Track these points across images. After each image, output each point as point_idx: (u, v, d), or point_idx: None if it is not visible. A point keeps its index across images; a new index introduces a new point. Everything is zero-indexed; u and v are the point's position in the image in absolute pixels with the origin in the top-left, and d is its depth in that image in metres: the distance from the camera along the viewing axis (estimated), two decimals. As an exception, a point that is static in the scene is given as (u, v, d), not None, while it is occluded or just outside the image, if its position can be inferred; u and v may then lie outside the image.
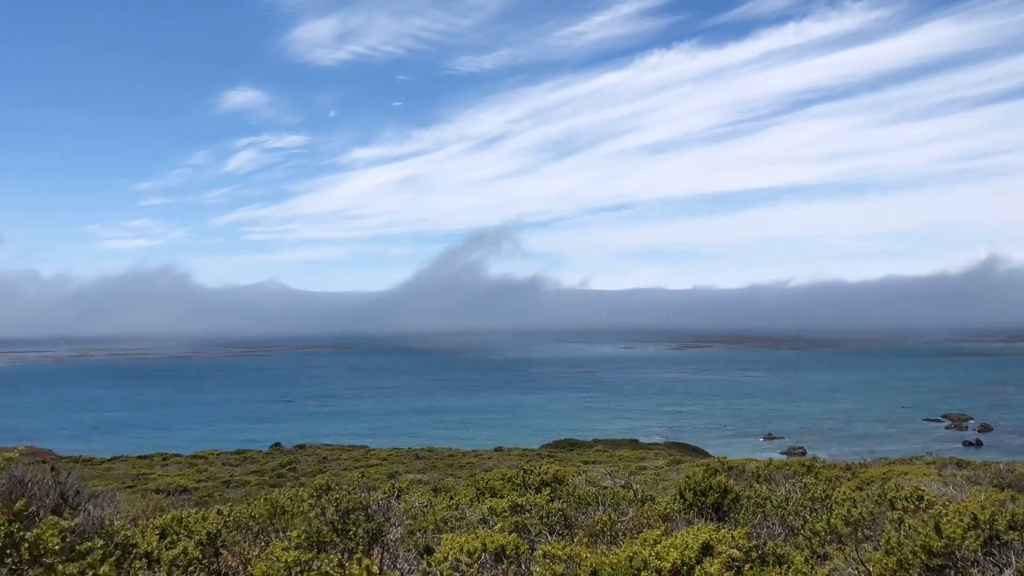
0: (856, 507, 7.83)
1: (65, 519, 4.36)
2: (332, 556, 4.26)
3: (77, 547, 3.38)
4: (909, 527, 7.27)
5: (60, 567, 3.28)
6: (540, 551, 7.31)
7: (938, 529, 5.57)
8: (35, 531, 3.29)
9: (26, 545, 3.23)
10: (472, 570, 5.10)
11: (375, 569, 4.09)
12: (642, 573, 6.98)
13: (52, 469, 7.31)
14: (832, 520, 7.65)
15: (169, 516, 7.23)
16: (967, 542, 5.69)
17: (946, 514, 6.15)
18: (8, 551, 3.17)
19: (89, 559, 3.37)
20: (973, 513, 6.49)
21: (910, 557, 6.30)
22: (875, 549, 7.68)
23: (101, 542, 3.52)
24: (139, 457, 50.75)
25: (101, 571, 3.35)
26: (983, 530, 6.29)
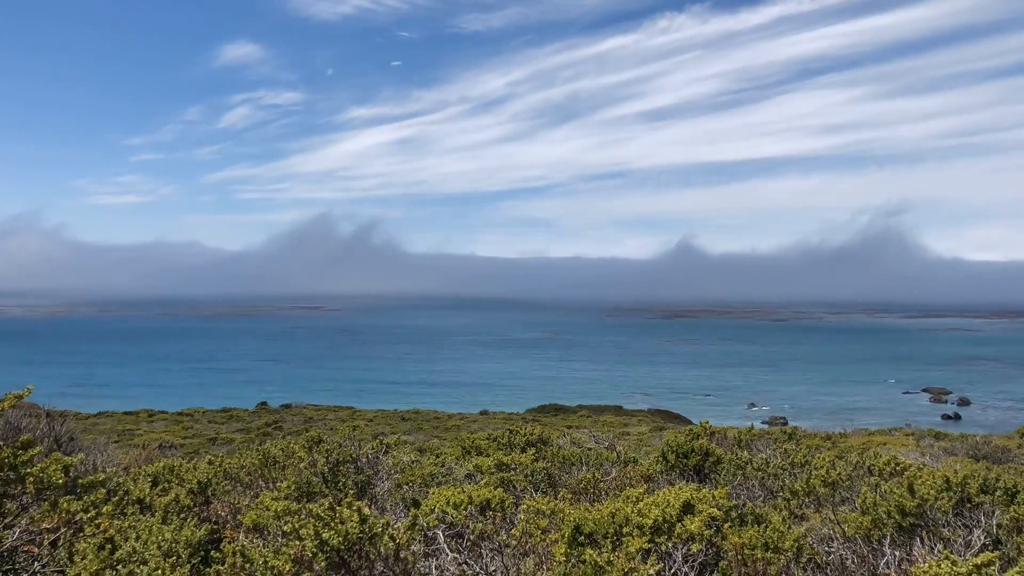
0: (835, 469, 8.03)
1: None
2: (323, 501, 4.38)
3: (80, 482, 3.47)
4: (885, 490, 7.48)
5: (64, 503, 3.37)
6: (524, 505, 7.47)
7: (911, 490, 5.75)
8: (40, 465, 3.38)
9: (31, 479, 3.32)
10: (460, 516, 5.24)
11: (366, 511, 4.21)
12: (624, 529, 7.16)
13: (47, 416, 7.40)
14: (811, 481, 7.85)
15: (161, 465, 7.35)
16: (939, 503, 5.87)
17: (920, 476, 6.33)
18: (13, 483, 3.26)
19: (93, 496, 3.46)
20: (946, 476, 6.69)
21: (884, 517, 6.49)
22: (851, 511, 7.90)
23: (104, 477, 3.62)
24: (124, 413, 50.83)
25: (105, 509, 3.44)
26: (955, 492, 6.49)
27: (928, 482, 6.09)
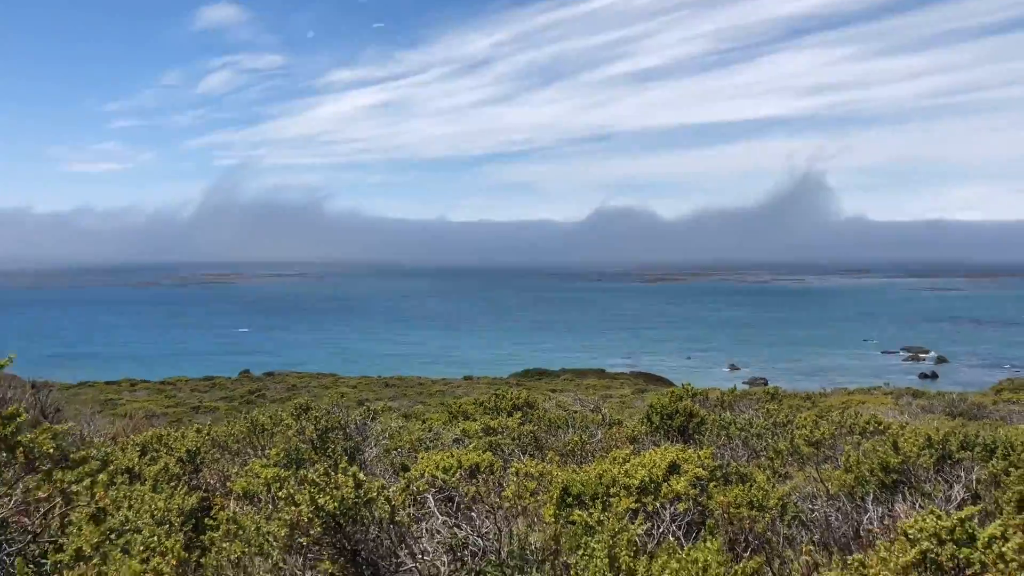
0: (818, 428, 8.15)
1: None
2: (318, 466, 4.40)
3: (72, 456, 3.46)
4: (867, 448, 7.61)
5: (59, 474, 3.37)
6: (513, 468, 7.54)
7: (895, 447, 5.86)
8: (30, 435, 3.36)
9: (21, 448, 3.31)
10: (452, 479, 5.28)
11: (361, 476, 4.24)
12: (611, 489, 7.25)
13: (32, 386, 7.35)
14: (795, 440, 7.97)
15: (149, 434, 7.34)
16: (921, 459, 5.98)
17: (903, 434, 6.44)
18: (3, 454, 3.24)
19: (86, 467, 3.45)
20: (927, 434, 6.81)
21: (867, 474, 6.62)
22: (835, 469, 8.04)
23: (95, 450, 3.62)
24: (106, 383, 50.60)
25: (99, 479, 3.44)
26: (936, 449, 6.62)
27: (910, 439, 6.20)
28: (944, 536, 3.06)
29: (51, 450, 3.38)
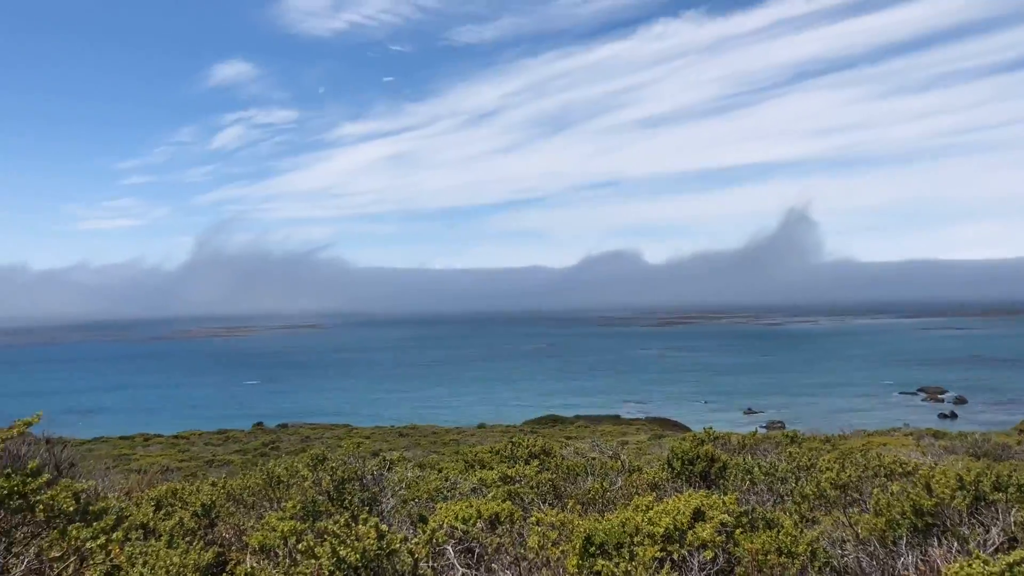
0: (845, 471, 7.97)
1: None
2: (339, 517, 4.30)
3: (91, 508, 3.39)
4: (894, 492, 7.43)
5: (74, 531, 3.29)
6: (533, 518, 7.39)
7: (929, 489, 5.70)
8: (50, 492, 3.30)
9: (41, 506, 3.24)
10: (474, 530, 5.16)
11: (384, 527, 4.13)
12: (635, 538, 7.08)
13: (47, 442, 7.29)
14: (821, 484, 7.79)
15: (164, 488, 7.24)
16: (955, 502, 5.82)
17: (934, 475, 6.28)
18: (23, 511, 3.17)
19: (102, 523, 3.38)
20: (959, 475, 6.64)
21: (898, 518, 6.44)
22: (862, 512, 7.84)
23: (114, 504, 3.54)
24: (120, 438, 50.47)
25: (115, 536, 3.36)
26: (969, 491, 6.44)
27: (942, 481, 6.04)
28: (993, 582, 2.94)
29: (71, 507, 3.31)
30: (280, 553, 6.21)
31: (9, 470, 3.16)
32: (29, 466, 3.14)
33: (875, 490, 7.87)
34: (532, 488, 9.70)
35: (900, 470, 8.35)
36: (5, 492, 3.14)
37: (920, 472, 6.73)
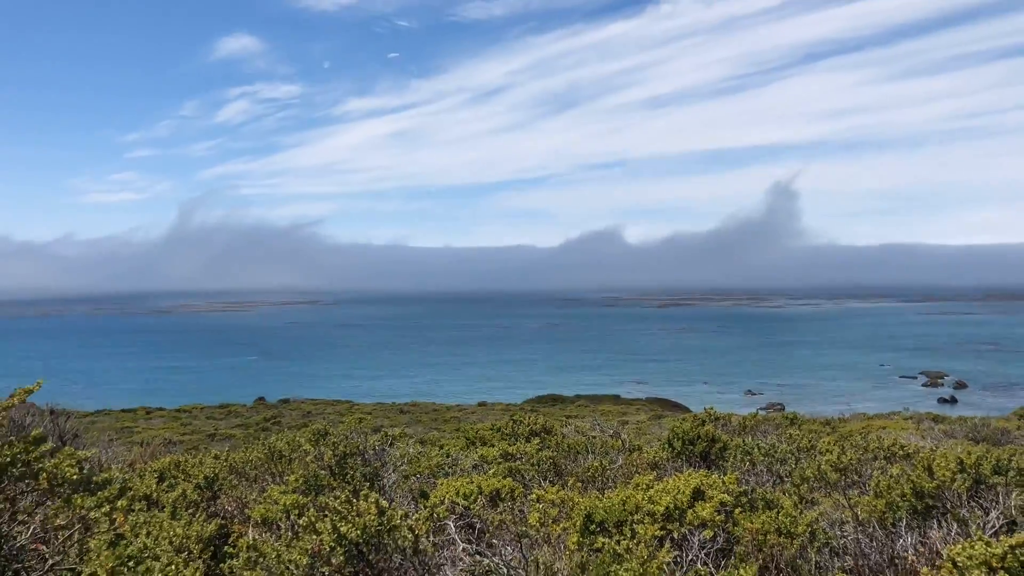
0: (845, 453, 7.99)
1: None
2: (339, 493, 4.31)
3: (94, 479, 3.40)
4: (894, 474, 7.44)
5: (78, 499, 3.30)
6: (534, 495, 7.42)
7: (930, 471, 5.71)
8: (53, 460, 3.31)
9: (44, 474, 3.25)
10: (475, 506, 5.18)
11: (384, 503, 4.14)
12: (635, 516, 7.11)
13: (51, 413, 7.31)
14: (821, 466, 7.81)
15: (167, 460, 7.27)
16: (955, 484, 5.83)
17: (935, 458, 6.29)
18: (26, 479, 3.18)
19: (106, 492, 3.39)
20: (959, 458, 6.65)
21: (898, 500, 6.46)
22: (861, 494, 7.87)
23: (118, 474, 3.55)
24: (122, 411, 50.73)
25: (119, 505, 3.37)
26: (969, 474, 6.45)
27: (943, 464, 6.05)
28: (995, 564, 2.94)
29: (74, 476, 3.32)
30: (282, 526, 6.24)
31: (12, 438, 3.16)
32: (32, 434, 3.14)
33: (875, 472, 7.89)
34: (533, 466, 9.74)
35: (900, 453, 8.37)
36: (8, 459, 3.15)
37: (921, 455, 6.74)
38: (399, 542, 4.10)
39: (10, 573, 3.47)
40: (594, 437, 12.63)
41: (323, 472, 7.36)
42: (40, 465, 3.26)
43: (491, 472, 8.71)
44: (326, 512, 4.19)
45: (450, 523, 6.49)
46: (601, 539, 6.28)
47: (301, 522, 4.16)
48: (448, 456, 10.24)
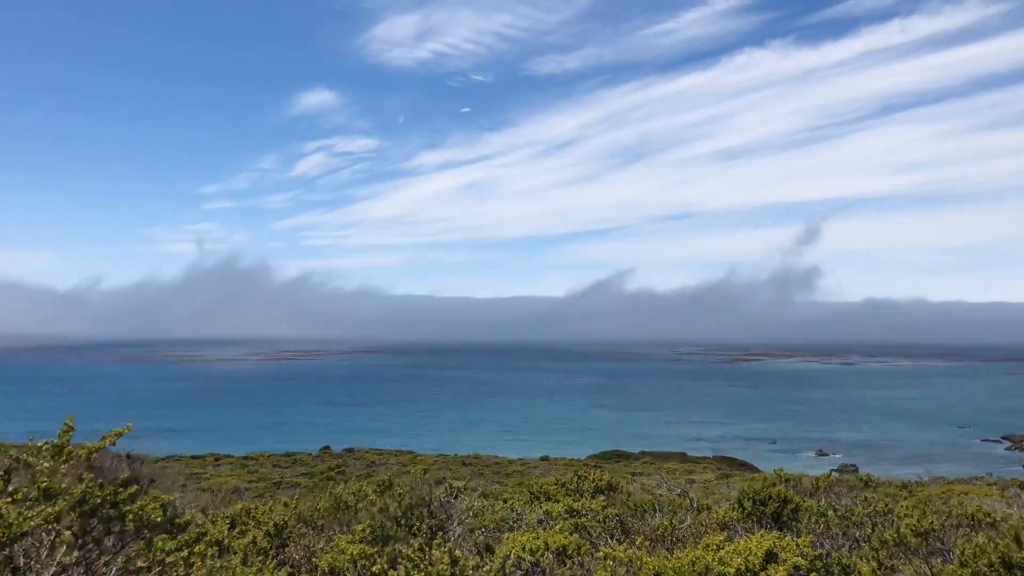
0: (926, 518, 7.67)
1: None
2: (413, 541, 4.33)
3: (177, 520, 3.50)
4: (979, 543, 7.10)
5: (159, 543, 3.40)
6: (601, 553, 7.30)
7: (1018, 541, 5.44)
8: (139, 503, 3.42)
9: (131, 516, 3.36)
10: (547, 560, 5.13)
11: (458, 553, 4.14)
12: (705, 578, 6.94)
13: (127, 457, 7.54)
14: (902, 530, 7.51)
15: (239, 507, 7.40)
16: (1048, 555, 5.55)
17: (1022, 527, 6.00)
18: (114, 521, 3.30)
19: (186, 535, 3.48)
20: (1051, 527, 6.32)
21: (985, 570, 6.15)
22: (944, 563, 7.52)
23: (200, 516, 3.65)
24: (192, 457, 51.74)
25: (197, 549, 3.46)
26: (1062, 544, 6.12)
27: (1033, 532, 5.77)
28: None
29: (159, 518, 3.42)
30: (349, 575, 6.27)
31: (102, 481, 3.29)
32: (121, 477, 3.26)
33: (958, 540, 7.54)
34: (599, 523, 9.59)
35: (986, 520, 7.99)
36: (99, 501, 3.27)
37: (1009, 523, 6.43)
38: (469, 595, 4.09)
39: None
40: (661, 495, 12.39)
41: (389, 523, 7.39)
42: (128, 508, 3.37)
43: (557, 528, 8.61)
44: (400, 560, 4.20)
45: (516, 579, 6.43)
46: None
47: (374, 569, 4.19)
48: (513, 510, 10.16)
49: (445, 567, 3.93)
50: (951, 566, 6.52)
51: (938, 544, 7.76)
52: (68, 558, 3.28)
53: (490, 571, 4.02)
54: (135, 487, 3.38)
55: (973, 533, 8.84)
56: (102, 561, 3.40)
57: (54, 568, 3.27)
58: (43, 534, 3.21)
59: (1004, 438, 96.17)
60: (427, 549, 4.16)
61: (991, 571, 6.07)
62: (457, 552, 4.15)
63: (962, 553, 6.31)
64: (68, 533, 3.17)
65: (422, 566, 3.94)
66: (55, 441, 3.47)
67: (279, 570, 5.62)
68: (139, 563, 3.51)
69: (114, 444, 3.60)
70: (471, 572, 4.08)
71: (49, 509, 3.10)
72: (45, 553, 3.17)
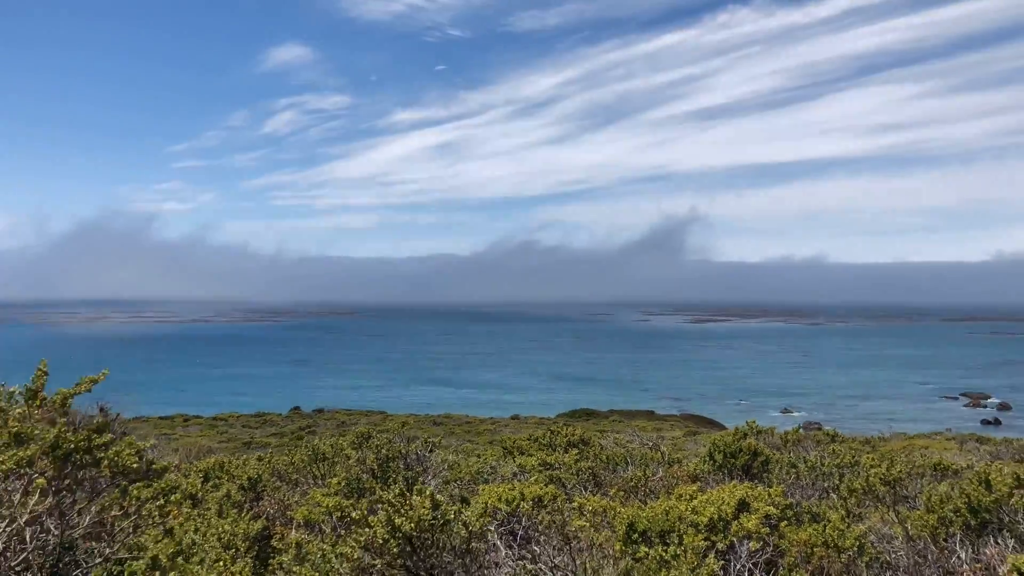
0: (894, 467, 7.83)
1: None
2: (393, 487, 4.32)
3: (154, 466, 3.44)
4: (945, 490, 7.27)
5: (135, 490, 3.34)
6: (576, 503, 7.36)
7: (988, 484, 5.56)
8: (114, 449, 3.35)
9: (106, 462, 3.29)
10: (525, 508, 5.15)
11: (439, 498, 4.13)
12: (678, 526, 7.02)
13: (101, 409, 7.44)
14: (870, 479, 7.66)
15: (211, 461, 7.34)
16: (1013, 500, 5.68)
17: (990, 472, 6.14)
18: (88, 467, 3.23)
19: (162, 483, 3.43)
20: (1016, 473, 6.48)
21: (951, 515, 6.30)
22: (911, 510, 7.69)
23: (176, 462, 3.59)
24: (160, 418, 51.37)
25: (173, 498, 3.41)
26: (1026, 490, 6.28)
27: (999, 479, 5.90)
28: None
29: (134, 464, 3.36)
30: (325, 529, 6.26)
31: (75, 426, 3.22)
32: (95, 423, 3.19)
33: (926, 487, 7.72)
34: (573, 475, 9.68)
35: (951, 469, 8.18)
36: (72, 446, 3.20)
37: (974, 470, 6.58)
38: (452, 540, 4.09)
39: (66, 560, 3.51)
40: (633, 449, 12.53)
41: (365, 475, 7.38)
42: (102, 454, 3.30)
43: (532, 480, 8.68)
44: (380, 506, 4.19)
45: (492, 529, 6.46)
46: (644, 548, 6.21)
47: (354, 515, 4.17)
48: (487, 464, 10.21)
49: (426, 511, 3.93)
50: (918, 511, 6.67)
51: (903, 492, 7.94)
52: (41, 506, 3.22)
53: (472, 515, 4.02)
54: (108, 435, 3.31)
55: (937, 482, 9.06)
56: (76, 509, 3.34)
57: (27, 516, 3.21)
58: (15, 480, 3.13)
59: (962, 395, 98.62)
60: (407, 495, 4.15)
61: (957, 516, 6.21)
62: (439, 497, 4.15)
63: (928, 499, 6.45)
64: (41, 479, 3.10)
65: (403, 511, 3.93)
66: (28, 386, 3.38)
67: (254, 521, 5.59)
68: (114, 511, 3.46)
69: (90, 390, 3.52)
70: (452, 516, 4.08)
71: (21, 453, 3.03)
72: (17, 499, 3.10)
